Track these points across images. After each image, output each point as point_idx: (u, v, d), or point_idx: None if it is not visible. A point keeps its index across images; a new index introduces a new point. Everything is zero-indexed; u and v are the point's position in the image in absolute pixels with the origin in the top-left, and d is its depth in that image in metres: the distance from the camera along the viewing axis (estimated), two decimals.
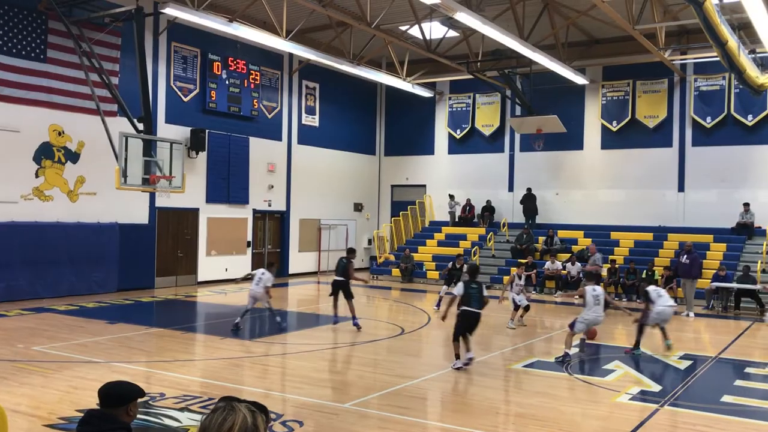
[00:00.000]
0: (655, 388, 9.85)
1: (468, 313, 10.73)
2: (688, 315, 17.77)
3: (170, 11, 17.81)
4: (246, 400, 2.29)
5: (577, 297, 12.48)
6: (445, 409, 9.01)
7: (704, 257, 21.00)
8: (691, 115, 23.44)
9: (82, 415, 7.58)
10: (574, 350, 11.88)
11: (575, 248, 23.09)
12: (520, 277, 16.48)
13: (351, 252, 15.33)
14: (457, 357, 10.74)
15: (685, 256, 18.27)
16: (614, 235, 23.64)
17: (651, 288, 12.98)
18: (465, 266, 16.61)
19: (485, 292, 10.93)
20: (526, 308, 15.81)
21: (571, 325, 11.81)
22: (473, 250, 24.38)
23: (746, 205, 22.04)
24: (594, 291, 11.73)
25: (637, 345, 12.33)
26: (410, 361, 11.66)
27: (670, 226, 23.28)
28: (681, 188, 23.62)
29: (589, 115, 25.31)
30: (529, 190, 25.38)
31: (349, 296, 14.20)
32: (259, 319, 15.38)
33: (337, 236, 27.48)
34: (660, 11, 19.58)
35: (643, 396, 9.30)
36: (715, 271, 19.29)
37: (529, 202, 25.29)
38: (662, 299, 12.51)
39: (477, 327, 11.04)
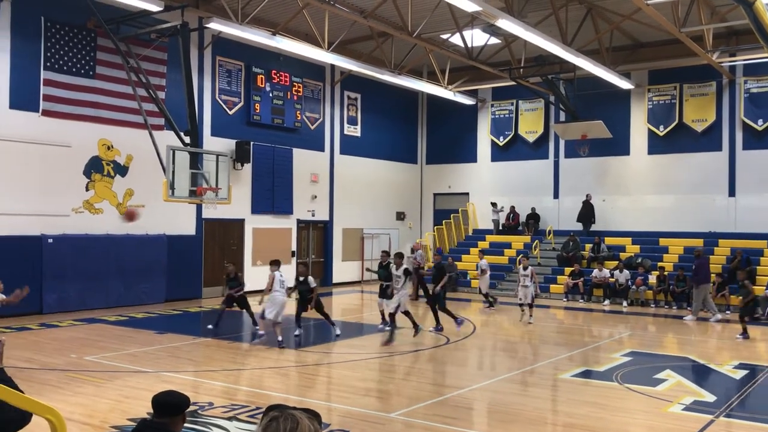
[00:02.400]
0: (710, 398, 9.57)
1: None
2: (710, 320, 17.90)
3: (215, 26, 18.14)
4: (296, 407, 2.27)
5: (268, 284, 13.58)
6: (492, 419, 8.89)
7: (758, 263, 20.48)
8: (741, 117, 22.85)
9: (133, 424, 7.71)
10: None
11: (623, 255, 22.67)
12: (525, 269, 16.83)
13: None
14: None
15: (696, 262, 18.28)
16: (663, 241, 23.14)
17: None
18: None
19: (312, 283, 13.81)
20: (529, 305, 16.73)
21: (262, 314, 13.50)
22: (519, 258, 24.08)
23: None
24: (280, 276, 13.48)
25: (415, 325, 14.33)
26: (456, 371, 11.57)
27: (721, 232, 22.69)
28: (732, 193, 23.02)
29: (635, 119, 24.87)
30: (587, 197, 24.92)
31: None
32: (304, 329, 15.46)
33: (380, 245, 27.46)
34: (707, 13, 19.18)
35: (697, 406, 9.04)
36: None
37: (584, 209, 24.84)
38: (402, 292, 14.49)
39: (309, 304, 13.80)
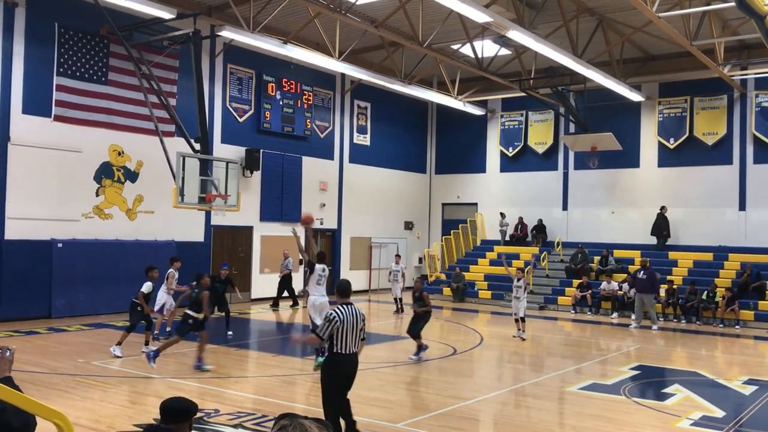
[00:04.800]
0: (719, 413, 9.49)
1: None
2: (651, 328, 18.31)
3: (226, 34, 18.27)
4: (307, 416, 2.27)
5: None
6: (498, 431, 8.85)
7: None
8: (752, 131, 22.76)
9: (139, 430, 7.73)
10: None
11: (632, 268, 22.56)
12: (518, 280, 16.07)
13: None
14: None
15: (642, 272, 18.75)
16: (672, 255, 23.02)
17: None
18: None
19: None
20: (522, 319, 15.87)
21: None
22: (527, 269, 24.02)
23: None
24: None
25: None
26: (463, 382, 11.53)
27: (731, 246, 22.57)
28: (742, 207, 22.90)
29: (645, 132, 24.81)
30: (662, 209, 23.63)
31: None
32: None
33: (387, 255, 27.47)
34: (719, 26, 19.15)
35: (706, 422, 8.97)
36: None
37: (658, 221, 23.60)
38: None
39: None
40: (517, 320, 15.95)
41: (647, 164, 24.78)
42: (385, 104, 27.22)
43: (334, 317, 6.91)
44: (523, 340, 15.66)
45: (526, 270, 15.92)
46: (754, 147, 22.79)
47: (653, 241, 23.91)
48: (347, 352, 6.94)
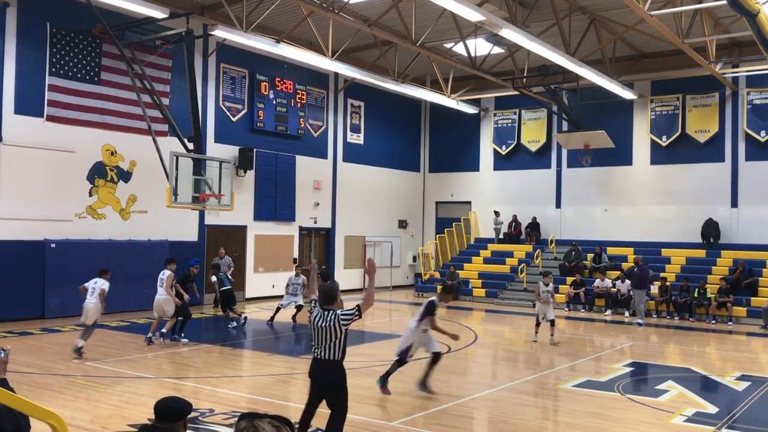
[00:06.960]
0: (711, 409, 9.55)
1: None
2: (639, 324, 18.52)
3: (219, 33, 18.23)
4: (268, 414, 2.28)
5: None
6: (492, 428, 8.88)
7: (760, 275, 20.43)
8: (743, 129, 22.86)
9: (133, 430, 7.72)
10: None
11: (625, 265, 22.63)
12: (547, 285, 15.54)
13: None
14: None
15: (637, 269, 19.25)
16: (665, 252, 23.11)
17: None
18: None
19: None
20: (552, 322, 15.41)
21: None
22: (520, 267, 24.11)
23: None
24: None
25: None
26: (457, 380, 11.55)
27: (723, 243, 22.67)
28: (734, 204, 23.01)
29: (637, 130, 24.89)
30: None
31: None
32: (305, 336, 15.44)
33: (381, 253, 27.51)
34: (710, 24, 19.22)
35: (699, 418, 9.02)
36: None
37: (707, 224, 23.01)
38: None
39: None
40: (539, 323, 15.45)
41: (640, 162, 24.85)
42: (379, 103, 27.23)
43: (313, 313, 6.82)
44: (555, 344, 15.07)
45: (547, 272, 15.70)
46: (746, 144, 22.89)
47: (646, 238, 24.00)
48: (315, 356, 6.79)
